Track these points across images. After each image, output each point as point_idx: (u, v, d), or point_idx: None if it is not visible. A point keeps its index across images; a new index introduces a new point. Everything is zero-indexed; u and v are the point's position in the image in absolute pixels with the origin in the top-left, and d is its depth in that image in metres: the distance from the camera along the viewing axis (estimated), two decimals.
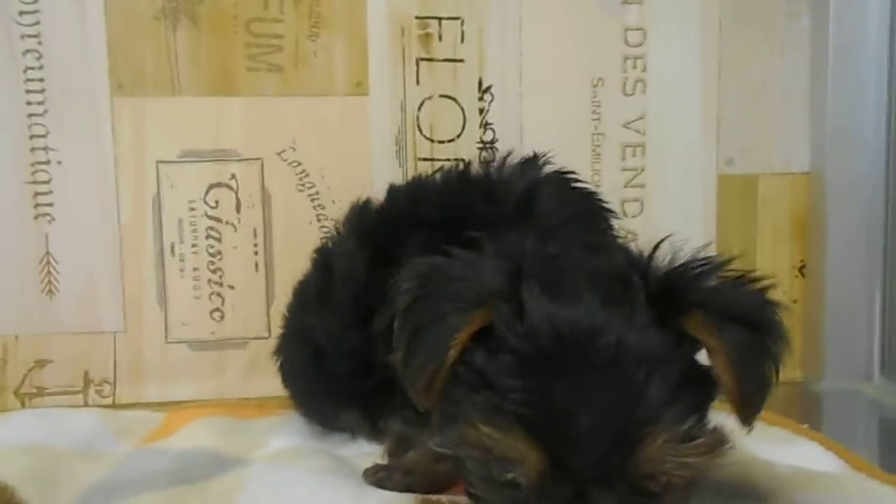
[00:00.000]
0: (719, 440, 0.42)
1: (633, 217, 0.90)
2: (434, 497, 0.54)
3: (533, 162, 0.60)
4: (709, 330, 0.41)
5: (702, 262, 0.44)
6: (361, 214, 0.63)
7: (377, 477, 0.58)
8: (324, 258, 0.66)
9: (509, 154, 0.60)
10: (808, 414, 0.87)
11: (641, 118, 0.90)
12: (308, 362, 0.65)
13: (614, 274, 0.44)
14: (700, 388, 0.42)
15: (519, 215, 0.54)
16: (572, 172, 0.60)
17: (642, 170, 0.90)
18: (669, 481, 0.40)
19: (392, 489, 0.57)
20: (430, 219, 0.57)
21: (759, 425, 0.66)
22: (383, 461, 0.60)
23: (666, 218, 0.90)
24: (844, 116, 0.89)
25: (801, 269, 0.93)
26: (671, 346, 0.41)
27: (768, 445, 0.61)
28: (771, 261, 0.92)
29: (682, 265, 0.44)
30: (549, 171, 0.59)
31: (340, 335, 0.60)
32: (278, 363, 0.72)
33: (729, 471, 0.54)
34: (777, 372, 0.43)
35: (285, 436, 0.68)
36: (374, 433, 0.63)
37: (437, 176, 0.62)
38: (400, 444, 0.59)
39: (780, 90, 0.91)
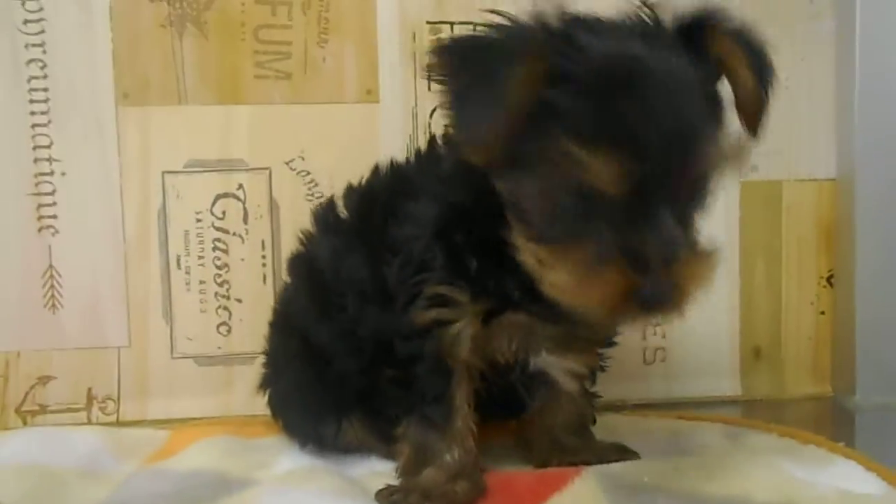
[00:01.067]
0: (744, 145, 0.50)
1: None
2: None
3: None
4: (732, 47, 0.50)
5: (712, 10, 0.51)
6: (333, 212, 0.65)
7: (391, 500, 0.55)
8: (306, 264, 0.66)
9: None
10: (840, 430, 0.83)
11: None
12: (307, 374, 0.64)
13: (641, 19, 0.50)
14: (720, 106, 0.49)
15: None
16: None
17: None
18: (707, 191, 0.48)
19: None
20: (420, 186, 0.57)
21: (790, 443, 0.65)
22: (396, 482, 0.57)
23: None
24: (872, 120, 0.85)
25: (828, 280, 0.89)
26: (703, 71, 0.48)
27: (806, 466, 0.57)
28: (797, 270, 0.89)
29: (698, 11, 0.50)
30: None
31: (356, 327, 0.59)
32: (267, 394, 0.70)
33: (765, 491, 0.51)
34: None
35: (294, 455, 0.65)
36: (385, 445, 0.60)
37: (415, 156, 0.63)
38: (417, 457, 0.56)
39: (804, 94, 0.88)
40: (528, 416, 0.63)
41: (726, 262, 0.88)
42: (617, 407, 0.83)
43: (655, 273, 0.44)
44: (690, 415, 0.76)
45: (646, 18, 0.50)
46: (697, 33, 0.49)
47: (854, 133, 0.86)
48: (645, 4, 0.50)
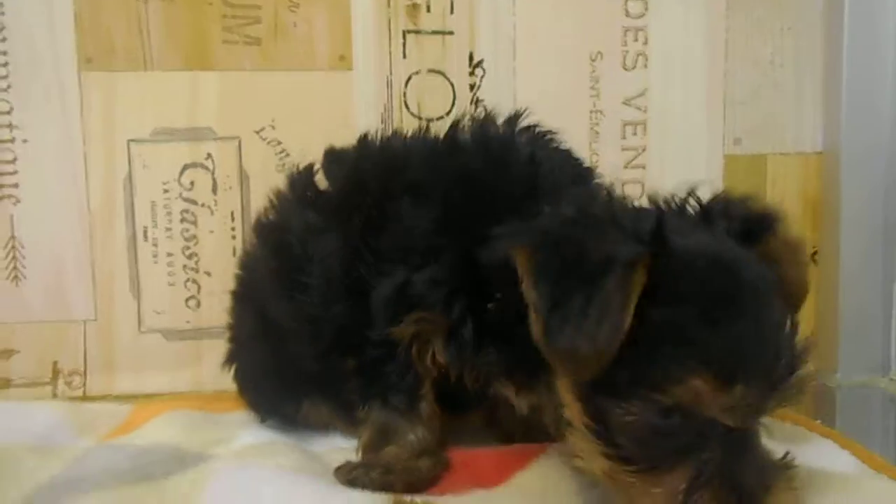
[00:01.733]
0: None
1: (634, 200, 0.85)
2: (408, 498, 0.49)
3: (516, 121, 0.58)
4: (790, 246, 0.49)
5: (742, 202, 0.50)
6: (312, 182, 0.60)
7: (351, 476, 0.53)
8: (273, 235, 0.62)
9: (488, 116, 0.58)
10: (822, 408, 0.83)
11: (643, 94, 0.84)
12: (266, 351, 0.62)
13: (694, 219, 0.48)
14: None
15: (525, 180, 0.53)
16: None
17: (644, 149, 0.85)
18: None
19: (367, 488, 0.52)
20: (422, 183, 0.54)
21: (769, 420, 0.64)
22: (358, 457, 0.55)
23: None
24: (861, 93, 0.83)
25: (812, 256, 0.87)
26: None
27: (782, 443, 0.56)
28: None
29: (738, 204, 0.49)
30: (538, 132, 0.58)
31: (319, 313, 0.56)
32: (232, 368, 0.68)
33: None
34: None
35: (255, 430, 0.63)
36: (349, 425, 0.58)
37: (412, 139, 0.59)
38: (380, 436, 0.55)
39: (791, 66, 0.86)
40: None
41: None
42: None
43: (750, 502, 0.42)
44: None
45: (695, 208, 0.49)
46: (756, 234, 0.48)
47: (841, 106, 0.83)
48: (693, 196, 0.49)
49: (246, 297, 0.66)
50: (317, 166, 0.61)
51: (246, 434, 0.62)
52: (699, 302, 0.42)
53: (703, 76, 0.85)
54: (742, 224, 0.48)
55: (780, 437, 0.59)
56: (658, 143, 0.85)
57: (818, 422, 0.63)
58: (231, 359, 0.68)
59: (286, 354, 0.60)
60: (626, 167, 0.85)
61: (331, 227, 0.57)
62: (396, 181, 0.55)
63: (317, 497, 0.48)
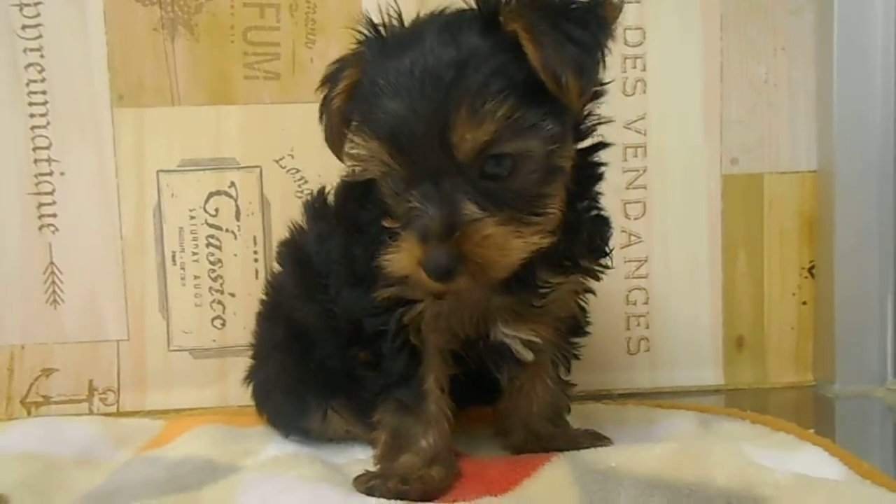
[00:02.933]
0: (564, 134, 0.53)
1: (636, 219, 0.89)
2: None
3: None
4: (517, 20, 0.51)
5: None
6: (324, 201, 0.69)
7: (369, 485, 0.57)
8: (295, 251, 0.69)
9: None
10: (820, 418, 0.85)
11: (642, 118, 0.88)
12: (292, 358, 0.67)
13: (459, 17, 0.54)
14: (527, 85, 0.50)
15: None
16: None
17: (644, 170, 0.89)
18: (515, 164, 0.51)
19: (384, 497, 0.55)
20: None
21: (762, 430, 0.67)
22: (375, 467, 0.60)
23: (669, 219, 0.89)
24: (852, 112, 0.86)
25: (810, 270, 0.91)
26: (488, 47, 0.51)
27: (771, 451, 0.59)
28: (779, 261, 0.90)
29: None
30: None
31: (336, 308, 0.62)
32: (252, 384, 0.73)
33: (726, 476, 0.53)
34: (593, 50, 0.51)
35: (280, 443, 0.67)
36: (368, 432, 0.63)
37: None
38: (394, 442, 0.59)
39: (784, 87, 0.89)
40: (504, 405, 0.66)
41: (709, 256, 0.89)
42: (600, 396, 0.85)
43: (432, 245, 0.50)
44: (668, 403, 0.78)
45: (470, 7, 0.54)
46: (497, 18, 0.52)
47: (833, 125, 0.87)
48: None
49: (272, 315, 0.71)
50: (328, 189, 0.69)
51: (271, 447, 0.67)
52: (372, 88, 0.53)
53: (700, 100, 0.89)
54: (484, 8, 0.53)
55: (772, 444, 0.63)
56: (658, 165, 0.89)
57: (811, 431, 0.66)
58: (251, 376, 0.73)
59: (311, 360, 0.65)
60: (627, 188, 0.89)
61: (335, 228, 0.64)
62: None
63: None
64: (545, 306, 0.59)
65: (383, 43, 0.55)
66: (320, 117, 0.59)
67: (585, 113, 0.58)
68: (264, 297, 0.73)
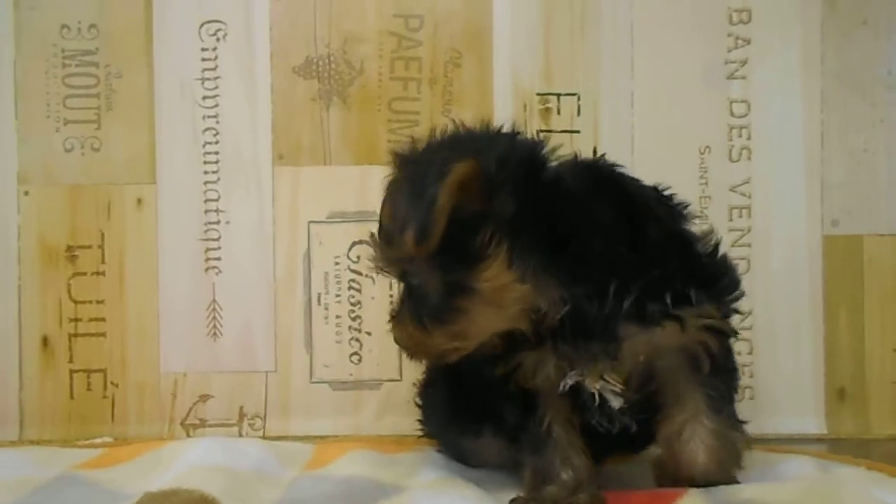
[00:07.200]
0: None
1: (742, 274, 0.95)
2: None
3: None
4: None
5: None
6: None
7: None
8: None
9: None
10: None
11: (747, 182, 0.96)
12: (449, 395, 0.74)
13: None
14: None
15: None
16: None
17: (749, 230, 0.96)
18: None
19: None
20: None
21: (880, 476, 0.70)
22: (525, 494, 0.67)
23: (773, 276, 0.96)
24: None
25: None
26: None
27: (861, 485, 0.63)
28: (880, 318, 0.96)
29: None
30: None
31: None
32: (422, 400, 0.81)
33: None
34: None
35: (433, 468, 0.75)
36: (515, 466, 0.70)
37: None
38: (536, 477, 0.66)
39: (882, 155, 0.96)
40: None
41: (811, 310, 0.95)
42: None
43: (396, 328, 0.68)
44: (783, 448, 0.82)
45: None
46: None
47: None
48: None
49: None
50: None
51: (427, 471, 0.74)
52: None
53: (802, 167, 0.96)
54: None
55: (893, 489, 0.67)
56: (762, 225, 0.96)
57: None
58: (422, 393, 0.81)
59: (466, 391, 0.72)
60: (732, 246, 0.96)
61: None
62: None
63: None
64: (619, 356, 0.62)
65: None
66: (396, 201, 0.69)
67: None
68: None
